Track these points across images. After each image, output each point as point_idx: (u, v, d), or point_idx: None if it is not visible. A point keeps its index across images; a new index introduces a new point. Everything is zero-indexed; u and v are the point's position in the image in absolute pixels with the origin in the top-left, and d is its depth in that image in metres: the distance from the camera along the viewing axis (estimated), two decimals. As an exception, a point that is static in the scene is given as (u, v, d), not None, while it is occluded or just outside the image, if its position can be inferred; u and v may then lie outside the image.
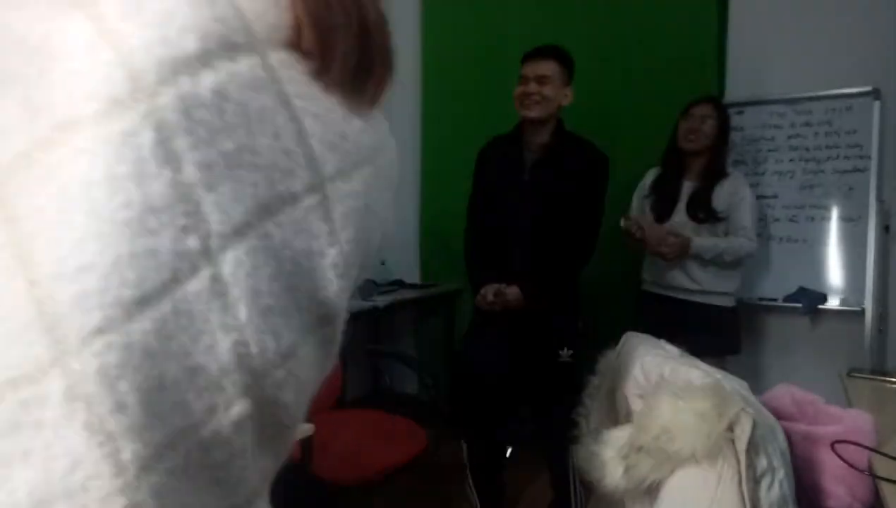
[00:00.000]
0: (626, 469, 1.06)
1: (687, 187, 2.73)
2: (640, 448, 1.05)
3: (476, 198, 2.47)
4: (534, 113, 2.22)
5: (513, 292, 2.24)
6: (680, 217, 2.70)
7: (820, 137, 3.09)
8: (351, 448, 2.12)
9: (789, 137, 3.16)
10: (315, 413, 2.35)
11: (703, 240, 2.61)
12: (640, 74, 3.41)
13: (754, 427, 1.01)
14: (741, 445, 1.00)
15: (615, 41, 3.50)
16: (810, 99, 3.10)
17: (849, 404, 1.66)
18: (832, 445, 1.22)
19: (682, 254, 2.60)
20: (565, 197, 2.24)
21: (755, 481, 1.01)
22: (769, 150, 3.20)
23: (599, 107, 3.55)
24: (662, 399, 1.07)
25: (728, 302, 2.74)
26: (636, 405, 1.20)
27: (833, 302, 3.05)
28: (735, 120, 3.28)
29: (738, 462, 1.01)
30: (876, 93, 2.95)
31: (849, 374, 1.95)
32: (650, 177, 2.88)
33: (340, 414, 2.47)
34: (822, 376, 2.57)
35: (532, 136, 2.31)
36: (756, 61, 3.29)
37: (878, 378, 1.91)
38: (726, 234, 2.68)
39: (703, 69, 3.32)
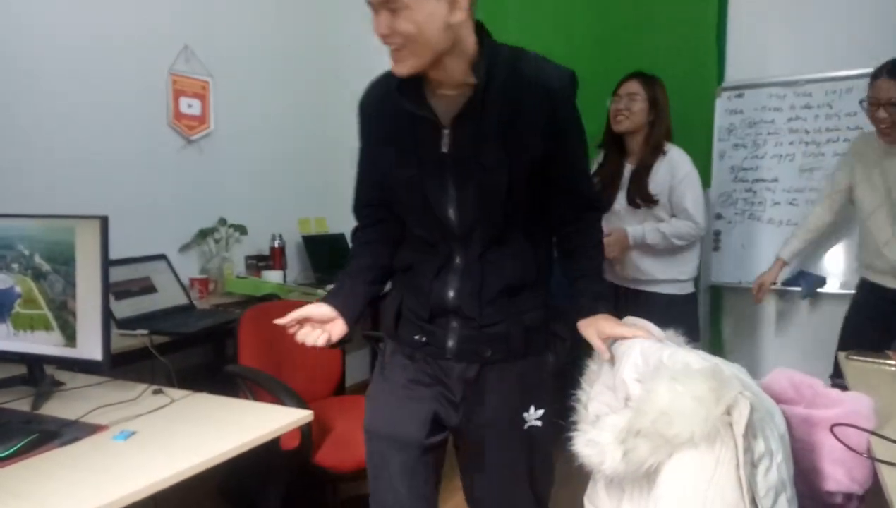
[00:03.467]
0: (625, 454, 1.05)
1: (628, 170, 2.53)
2: (638, 433, 1.04)
3: (364, 186, 1.46)
4: (405, 68, 1.22)
5: None
6: (621, 203, 2.50)
7: (820, 120, 3.07)
8: (350, 435, 2.12)
9: (789, 120, 3.14)
10: (314, 399, 2.35)
11: (638, 228, 2.42)
12: (640, 58, 3.38)
13: (752, 410, 1.00)
14: (739, 429, 0.99)
15: (615, 24, 3.47)
16: (810, 81, 3.08)
17: (848, 387, 1.66)
18: (831, 428, 1.22)
19: (624, 247, 2.43)
20: (519, 169, 1.28)
21: (753, 465, 1.01)
22: (769, 133, 3.19)
23: (599, 90, 3.53)
24: (660, 382, 1.06)
25: (681, 289, 2.53)
26: (635, 389, 1.19)
27: (833, 286, 3.05)
28: (735, 102, 3.26)
29: (736, 445, 1.00)
30: (877, 75, 2.93)
31: (848, 357, 1.95)
32: (594, 162, 2.64)
33: (340, 401, 2.47)
34: (822, 359, 2.58)
35: (439, 75, 1.27)
36: (756, 43, 3.26)
37: (877, 360, 1.91)
38: (672, 218, 2.46)
39: (702, 52, 3.29)
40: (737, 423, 1.00)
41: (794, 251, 2.77)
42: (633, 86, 2.51)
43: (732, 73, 3.31)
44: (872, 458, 1.17)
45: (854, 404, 1.27)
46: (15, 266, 1.54)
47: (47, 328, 1.52)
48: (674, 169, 2.44)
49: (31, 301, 1.53)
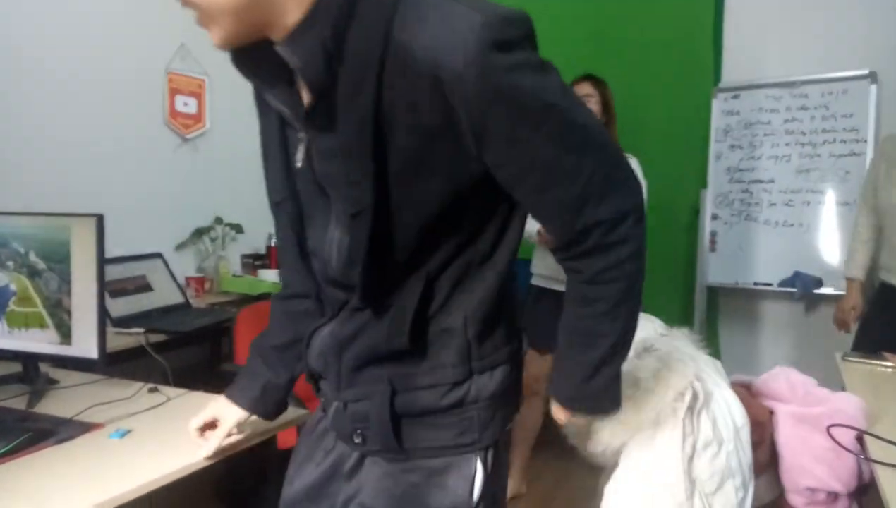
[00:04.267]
0: (591, 435, 1.13)
1: None
2: None
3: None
4: (216, 39, 0.77)
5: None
6: None
7: (816, 121, 3.08)
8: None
9: (785, 121, 3.15)
10: (311, 399, 2.34)
11: None
12: (637, 59, 3.39)
13: (696, 398, 1.07)
14: (680, 414, 1.07)
15: (611, 26, 3.48)
16: (807, 82, 3.09)
17: (843, 387, 1.66)
18: (828, 428, 1.23)
19: None
20: (414, 208, 0.80)
21: (694, 448, 1.08)
22: (765, 134, 3.20)
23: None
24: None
25: None
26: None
27: (828, 287, 3.06)
28: (731, 104, 3.27)
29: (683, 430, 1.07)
30: (872, 77, 2.94)
31: (843, 358, 1.96)
32: None
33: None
34: (818, 360, 2.58)
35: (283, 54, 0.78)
36: (752, 45, 3.27)
37: (873, 361, 1.92)
38: None
39: (699, 53, 3.31)
40: (680, 409, 1.09)
41: (864, 264, 2.49)
42: (587, 88, 2.47)
43: (729, 75, 3.31)
44: (861, 456, 1.18)
45: (841, 403, 1.29)
46: (10, 264, 1.53)
47: (42, 326, 1.51)
48: None
49: (26, 299, 1.52)
